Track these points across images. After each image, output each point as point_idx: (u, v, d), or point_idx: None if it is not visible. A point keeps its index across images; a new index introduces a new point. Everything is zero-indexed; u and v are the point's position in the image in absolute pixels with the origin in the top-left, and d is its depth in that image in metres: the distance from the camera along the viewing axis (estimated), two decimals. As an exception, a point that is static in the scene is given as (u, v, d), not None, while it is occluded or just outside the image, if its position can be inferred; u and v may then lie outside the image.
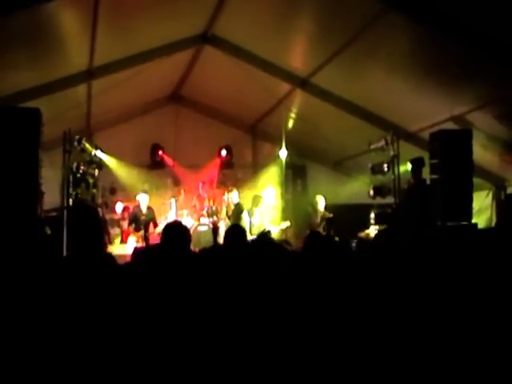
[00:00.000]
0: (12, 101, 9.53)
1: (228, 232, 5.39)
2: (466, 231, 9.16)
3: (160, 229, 12.52)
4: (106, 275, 3.70)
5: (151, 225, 12.63)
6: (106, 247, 4.16)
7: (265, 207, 13.45)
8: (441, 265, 4.38)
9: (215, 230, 13.24)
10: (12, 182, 7.99)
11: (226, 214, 13.59)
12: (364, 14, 8.76)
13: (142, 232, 12.30)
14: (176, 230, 4.60)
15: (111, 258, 3.95)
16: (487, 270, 3.90)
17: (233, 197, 13.38)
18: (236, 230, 5.48)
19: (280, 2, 9.75)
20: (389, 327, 3.57)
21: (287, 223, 13.32)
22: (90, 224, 3.83)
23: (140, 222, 12.45)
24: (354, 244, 10.74)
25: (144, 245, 12.04)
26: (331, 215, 12.50)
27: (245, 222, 12.45)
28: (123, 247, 12.21)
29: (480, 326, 3.57)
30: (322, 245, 4.37)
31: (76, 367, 3.19)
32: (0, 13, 7.45)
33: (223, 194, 14.46)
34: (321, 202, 12.72)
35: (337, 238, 10.60)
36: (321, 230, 12.15)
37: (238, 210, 12.97)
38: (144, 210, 12.60)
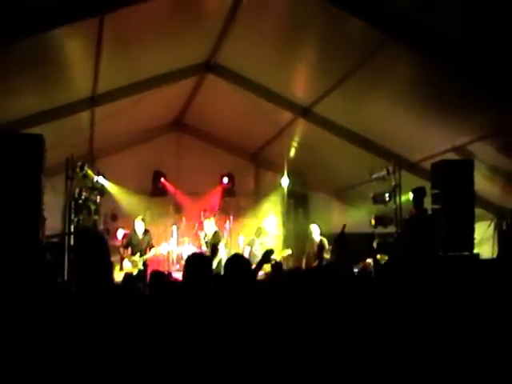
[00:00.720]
0: (15, 127, 9.56)
1: (229, 262, 5.28)
2: (468, 261, 9.13)
3: (155, 251, 12.59)
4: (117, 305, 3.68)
5: (147, 249, 12.47)
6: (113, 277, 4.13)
7: (266, 237, 13.45)
8: (442, 295, 4.37)
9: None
10: (14, 208, 7.98)
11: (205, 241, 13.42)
12: (365, 45, 8.85)
13: (137, 256, 12.17)
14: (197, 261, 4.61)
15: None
16: (489, 300, 3.88)
17: (209, 225, 13.26)
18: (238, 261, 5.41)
19: (282, 32, 9.86)
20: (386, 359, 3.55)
21: (289, 251, 13.34)
22: (99, 252, 3.80)
23: (136, 245, 12.36)
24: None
25: (140, 269, 12.03)
26: (327, 246, 12.38)
27: (220, 252, 12.46)
28: (121, 274, 12.15)
29: (483, 354, 3.55)
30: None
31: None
32: (3, 40, 7.52)
33: (225, 222, 14.48)
34: (315, 231, 12.69)
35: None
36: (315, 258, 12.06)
37: (216, 239, 12.84)
38: (140, 234, 12.47)
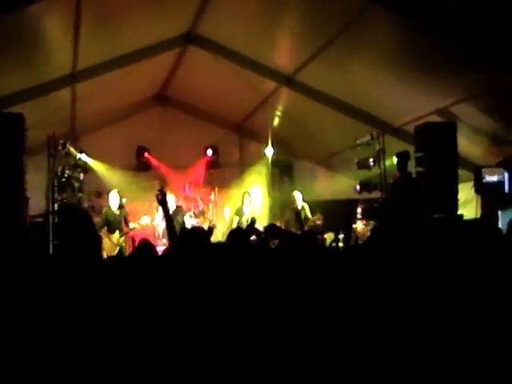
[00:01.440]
0: (-6, 106, 9.48)
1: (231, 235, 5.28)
2: (452, 223, 9.21)
3: (136, 225, 12.15)
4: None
5: (124, 225, 12.13)
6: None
7: (253, 206, 13.38)
8: (431, 257, 4.40)
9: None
10: (-3, 188, 7.96)
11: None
12: (348, 10, 8.77)
13: (117, 233, 11.86)
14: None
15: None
16: (474, 259, 3.93)
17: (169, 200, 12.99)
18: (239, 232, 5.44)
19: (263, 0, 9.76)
20: (386, 324, 3.59)
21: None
22: (85, 227, 3.79)
23: (112, 222, 11.96)
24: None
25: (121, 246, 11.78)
26: (308, 212, 12.36)
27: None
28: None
29: (473, 319, 3.59)
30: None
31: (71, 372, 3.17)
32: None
33: (210, 194, 14.46)
34: (298, 198, 12.57)
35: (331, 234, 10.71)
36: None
37: (177, 213, 12.66)
38: (115, 209, 12.06)
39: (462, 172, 10.04)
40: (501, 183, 10.87)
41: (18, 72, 9.63)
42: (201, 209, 14.01)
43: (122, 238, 11.90)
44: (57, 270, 3.61)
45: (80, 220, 3.79)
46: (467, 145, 10.22)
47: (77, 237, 3.66)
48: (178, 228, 12.00)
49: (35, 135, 9.10)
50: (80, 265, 3.53)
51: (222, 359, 3.48)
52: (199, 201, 14.39)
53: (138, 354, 3.38)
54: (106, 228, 11.83)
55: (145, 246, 4.96)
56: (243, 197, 12.90)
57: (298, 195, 12.62)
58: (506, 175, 10.87)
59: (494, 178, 10.90)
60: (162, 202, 5.51)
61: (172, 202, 12.63)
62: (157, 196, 5.54)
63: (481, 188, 10.91)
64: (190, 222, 13.04)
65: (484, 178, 10.89)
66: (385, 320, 3.57)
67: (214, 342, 3.55)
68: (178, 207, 12.84)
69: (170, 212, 12.12)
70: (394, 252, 3.99)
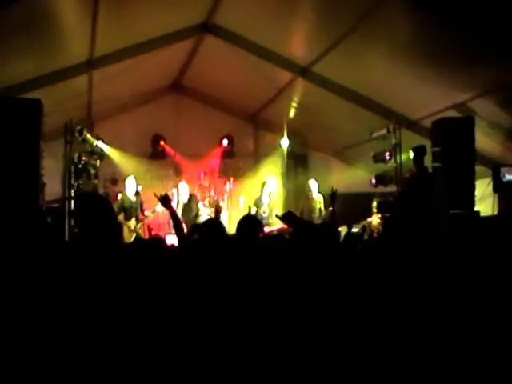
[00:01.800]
0: (13, 92, 9.50)
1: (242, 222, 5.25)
2: (469, 219, 9.15)
3: (152, 213, 11.98)
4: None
5: (141, 212, 11.95)
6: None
7: (272, 197, 13.23)
8: (446, 253, 4.39)
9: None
10: (13, 174, 7.99)
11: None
12: (365, 1, 8.72)
13: (133, 220, 11.73)
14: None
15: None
16: (490, 256, 3.91)
17: (183, 188, 12.70)
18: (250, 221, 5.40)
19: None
20: (394, 319, 3.58)
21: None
22: (105, 213, 3.79)
23: (128, 209, 11.77)
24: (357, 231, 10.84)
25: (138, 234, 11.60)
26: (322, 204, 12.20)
27: (201, 215, 12.29)
28: None
29: (483, 315, 3.58)
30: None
31: (80, 361, 3.19)
32: (-1, 5, 7.43)
33: (225, 184, 14.46)
34: (314, 188, 12.22)
35: (345, 227, 10.65)
36: (315, 215, 11.93)
37: (191, 201, 12.58)
38: (131, 196, 11.89)
39: (478, 168, 9.97)
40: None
41: (37, 58, 9.68)
42: (216, 199, 13.98)
43: (139, 225, 11.79)
44: (76, 258, 3.62)
45: (100, 207, 3.80)
46: (484, 140, 10.14)
47: (98, 224, 3.67)
48: (192, 214, 12.15)
49: (52, 121, 9.12)
50: (102, 252, 3.55)
51: (232, 357, 3.49)
52: (212, 191, 14.37)
53: (151, 347, 3.40)
54: (122, 214, 11.71)
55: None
56: (262, 187, 12.74)
57: (313, 184, 12.28)
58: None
59: (513, 177, 10.81)
60: (167, 205, 5.55)
61: (186, 190, 12.66)
62: (160, 200, 5.60)
63: (499, 186, 10.80)
64: (204, 210, 12.98)
65: (504, 176, 10.78)
66: (391, 317, 3.57)
67: (224, 339, 3.56)
68: (192, 195, 12.79)
69: (185, 201, 12.34)
70: (405, 245, 3.98)
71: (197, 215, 12.29)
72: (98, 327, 3.23)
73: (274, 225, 11.70)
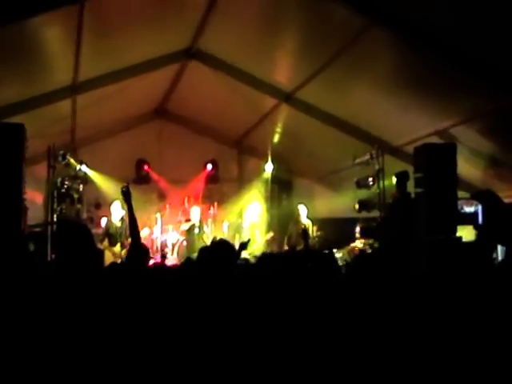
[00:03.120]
0: (-4, 116, 9.48)
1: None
2: (451, 244, 9.19)
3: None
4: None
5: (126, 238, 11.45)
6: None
7: (253, 222, 13.38)
8: (425, 278, 4.40)
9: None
10: (-5, 198, 7.93)
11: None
12: (348, 30, 8.83)
13: (118, 246, 11.56)
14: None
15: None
16: (471, 282, 3.92)
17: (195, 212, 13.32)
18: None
19: (264, 17, 9.81)
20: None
21: (271, 234, 13.36)
22: (82, 243, 3.76)
23: (113, 235, 11.65)
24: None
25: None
26: (311, 227, 12.30)
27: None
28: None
29: (465, 333, 3.59)
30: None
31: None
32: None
33: (209, 209, 14.47)
34: (303, 212, 12.57)
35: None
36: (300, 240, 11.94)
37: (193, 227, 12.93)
38: (116, 221, 11.74)
39: (461, 194, 10.03)
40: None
41: (20, 82, 9.68)
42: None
43: (124, 251, 11.49)
44: (54, 282, 3.59)
45: (78, 234, 3.77)
46: (466, 166, 10.22)
47: (74, 250, 3.64)
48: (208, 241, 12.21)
49: (35, 146, 9.09)
50: (78, 278, 3.52)
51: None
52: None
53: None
54: (107, 240, 11.61)
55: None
56: (242, 213, 12.91)
57: (302, 209, 12.57)
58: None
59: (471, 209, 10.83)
60: (127, 200, 5.34)
61: (197, 214, 13.11)
62: (122, 191, 5.36)
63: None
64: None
65: (462, 208, 10.79)
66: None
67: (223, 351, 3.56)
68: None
69: (197, 223, 12.56)
70: (372, 281, 4.00)
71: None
72: (72, 354, 3.20)
73: (255, 250, 11.78)
